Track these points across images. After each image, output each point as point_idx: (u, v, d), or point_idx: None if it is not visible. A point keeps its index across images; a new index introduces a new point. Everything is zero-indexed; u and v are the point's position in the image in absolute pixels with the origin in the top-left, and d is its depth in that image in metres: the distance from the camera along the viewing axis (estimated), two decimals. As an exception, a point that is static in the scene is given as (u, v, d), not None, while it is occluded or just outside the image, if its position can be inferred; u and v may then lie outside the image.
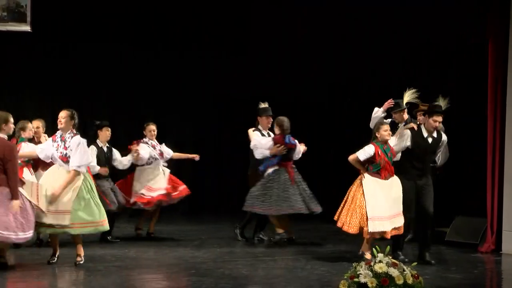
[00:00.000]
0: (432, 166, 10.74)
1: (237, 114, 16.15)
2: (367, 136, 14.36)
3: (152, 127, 12.76)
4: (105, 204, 10.78)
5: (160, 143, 12.62)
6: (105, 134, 11.97)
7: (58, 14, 13.52)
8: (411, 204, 10.19)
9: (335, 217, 10.29)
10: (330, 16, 16.17)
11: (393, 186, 10.25)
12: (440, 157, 11.21)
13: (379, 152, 10.25)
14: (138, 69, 15.92)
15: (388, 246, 8.33)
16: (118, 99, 15.69)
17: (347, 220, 10.19)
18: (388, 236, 10.10)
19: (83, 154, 9.90)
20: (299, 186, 11.87)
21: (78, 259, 10.03)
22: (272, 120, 12.40)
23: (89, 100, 14.87)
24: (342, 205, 10.35)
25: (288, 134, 12.03)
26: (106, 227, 10.27)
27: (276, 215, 11.78)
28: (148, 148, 12.49)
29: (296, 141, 12.13)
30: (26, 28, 13.04)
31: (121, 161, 12.21)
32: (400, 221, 10.15)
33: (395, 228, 10.13)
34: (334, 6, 15.99)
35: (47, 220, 9.77)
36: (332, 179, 15.96)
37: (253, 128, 12.51)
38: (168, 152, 12.71)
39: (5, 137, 9.69)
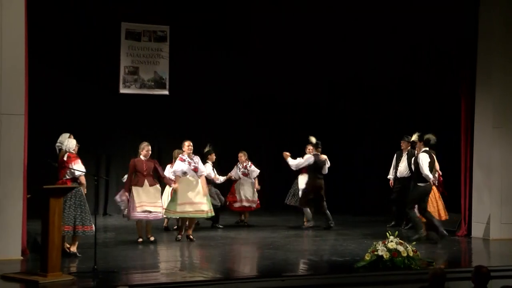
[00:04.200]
0: None
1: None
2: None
3: (241, 154, 12.13)
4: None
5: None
6: (212, 157, 11.76)
7: (187, 82, 13.42)
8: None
9: None
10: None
11: None
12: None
13: None
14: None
15: (396, 232, 8.33)
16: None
17: None
18: None
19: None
20: None
21: (191, 236, 10.15)
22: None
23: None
24: None
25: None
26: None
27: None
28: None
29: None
30: (165, 92, 13.11)
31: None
32: None
33: None
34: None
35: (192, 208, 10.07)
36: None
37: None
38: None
39: (143, 158, 9.95)
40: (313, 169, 11.59)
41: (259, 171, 12.23)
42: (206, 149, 11.61)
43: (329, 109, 14.54)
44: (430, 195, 10.32)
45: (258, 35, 13.63)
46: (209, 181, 11.41)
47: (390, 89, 13.62)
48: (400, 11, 11.95)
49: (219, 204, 11.62)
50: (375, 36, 13.09)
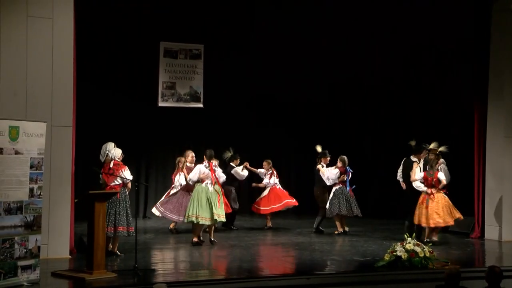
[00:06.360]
0: None
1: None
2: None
3: (265, 163, 11.93)
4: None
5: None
6: (237, 161, 11.54)
7: (219, 96, 13.35)
8: None
9: None
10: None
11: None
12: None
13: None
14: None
15: (414, 234, 8.23)
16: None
17: None
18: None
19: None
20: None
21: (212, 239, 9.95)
22: (329, 159, 11.11)
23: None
24: None
25: (347, 166, 11.03)
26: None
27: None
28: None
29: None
30: (200, 105, 13.10)
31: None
32: None
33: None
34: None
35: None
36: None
37: (320, 165, 11.09)
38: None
39: (191, 165, 9.99)
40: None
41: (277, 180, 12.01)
42: (231, 154, 11.48)
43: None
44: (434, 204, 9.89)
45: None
46: (232, 183, 11.35)
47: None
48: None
49: (237, 207, 11.49)
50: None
